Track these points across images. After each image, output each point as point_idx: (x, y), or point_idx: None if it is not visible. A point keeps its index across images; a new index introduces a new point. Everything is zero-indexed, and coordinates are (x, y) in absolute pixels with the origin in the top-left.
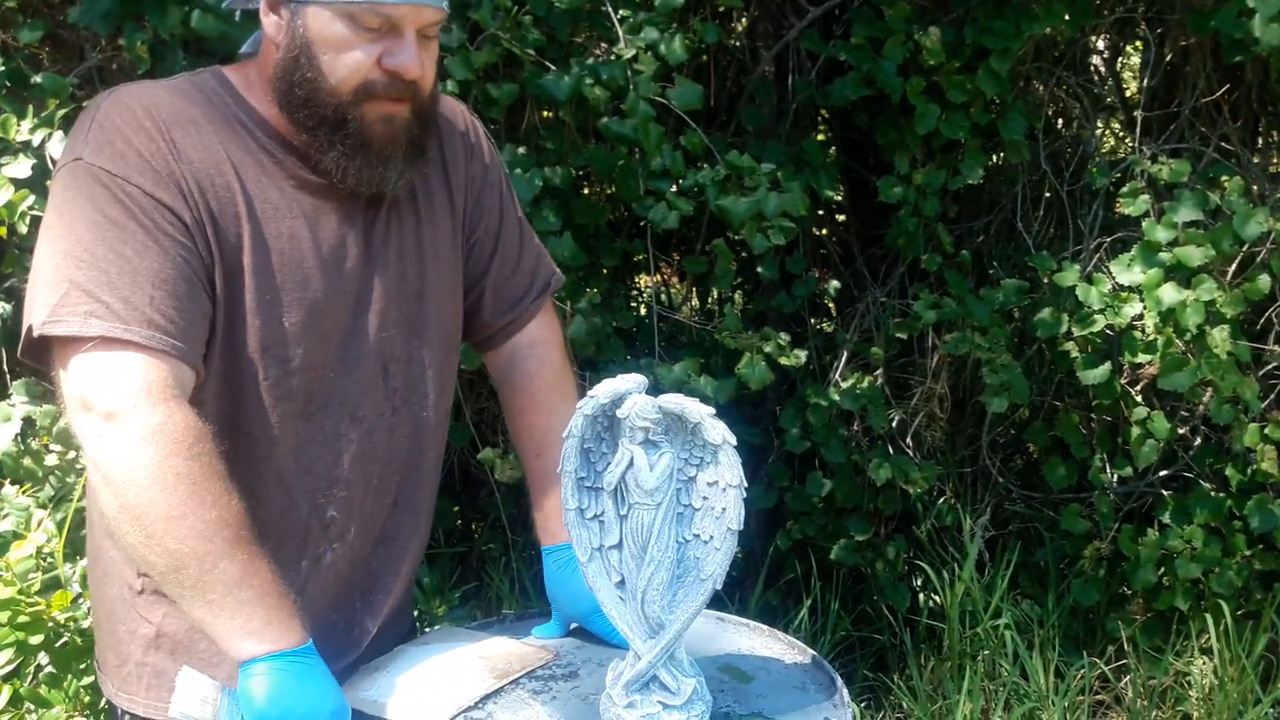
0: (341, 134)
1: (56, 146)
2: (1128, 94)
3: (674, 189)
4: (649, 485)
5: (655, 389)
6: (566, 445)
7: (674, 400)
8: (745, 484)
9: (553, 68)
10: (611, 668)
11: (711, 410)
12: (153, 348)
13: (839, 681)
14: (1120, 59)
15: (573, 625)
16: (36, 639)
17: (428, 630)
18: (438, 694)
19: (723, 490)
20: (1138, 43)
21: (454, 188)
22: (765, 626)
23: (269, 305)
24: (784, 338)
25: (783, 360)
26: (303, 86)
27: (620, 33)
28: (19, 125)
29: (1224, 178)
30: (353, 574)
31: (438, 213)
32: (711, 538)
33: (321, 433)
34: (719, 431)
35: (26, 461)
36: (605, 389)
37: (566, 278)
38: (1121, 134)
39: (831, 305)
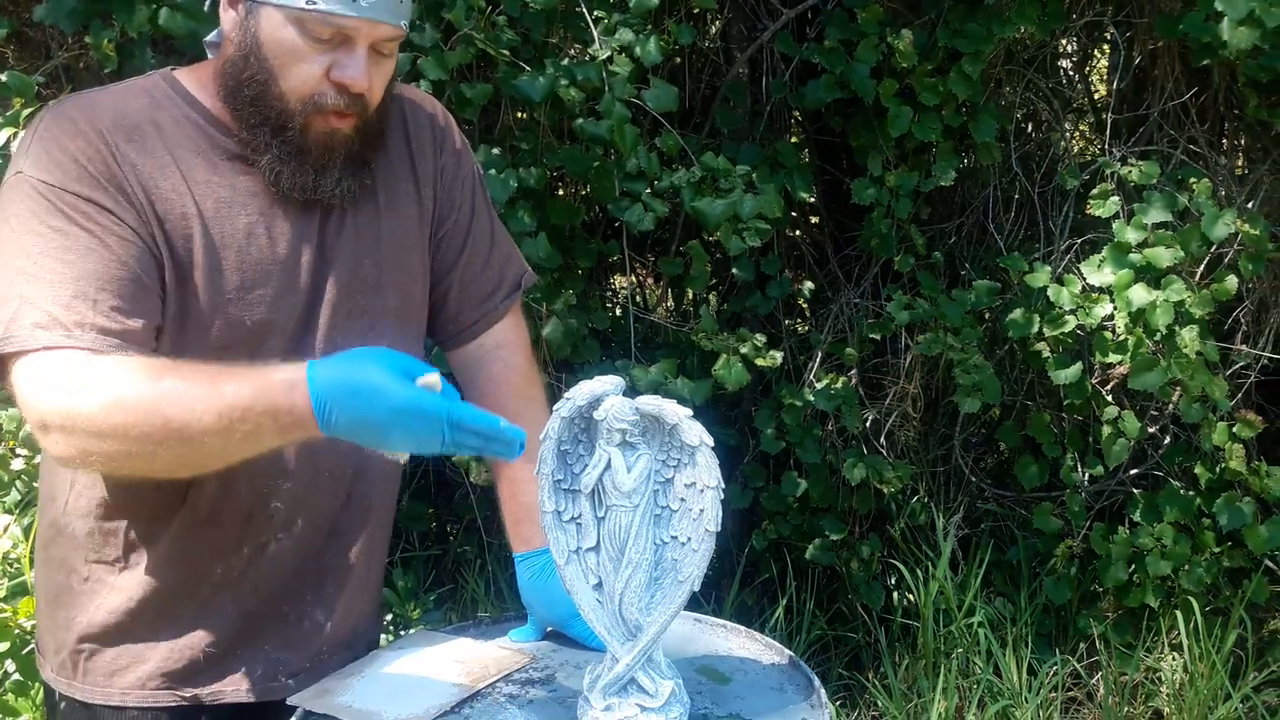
0: (279, 139)
1: None
2: (1096, 97)
3: (649, 190)
4: (626, 487)
5: (632, 390)
6: (543, 447)
7: (651, 402)
8: (723, 485)
9: (527, 68)
10: (589, 670)
11: (689, 412)
12: (100, 350)
13: (816, 682)
14: (1089, 63)
15: (549, 629)
16: (2, 646)
17: (403, 634)
18: (413, 699)
19: (700, 492)
20: (1105, 46)
21: (421, 179)
22: (742, 627)
23: (227, 304)
24: (760, 339)
25: (759, 361)
26: (251, 86)
27: (595, 33)
28: None
29: (1192, 180)
30: (302, 566)
31: (400, 203)
32: (689, 539)
33: None
34: (696, 433)
35: None
36: (582, 391)
37: (542, 279)
38: (1090, 136)
39: (805, 306)
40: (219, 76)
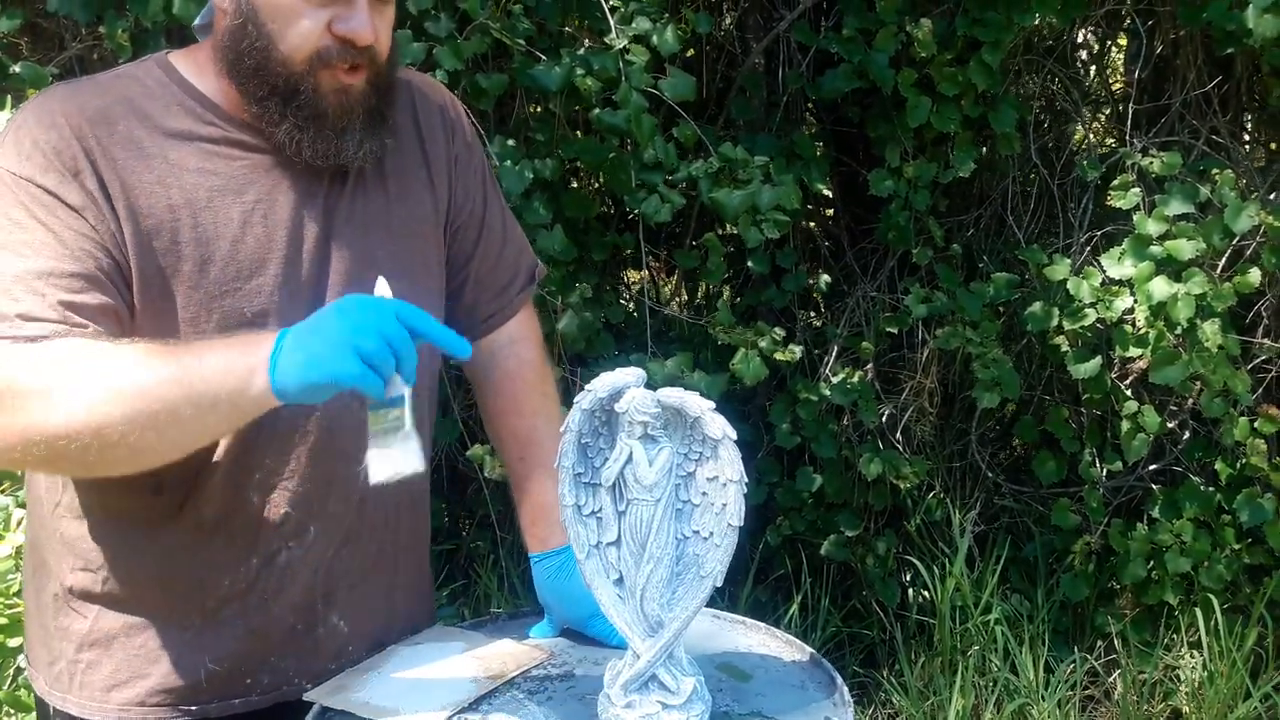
0: (293, 105)
1: None
2: (1114, 87)
3: (666, 182)
4: (648, 481)
5: (647, 385)
6: (564, 440)
7: (673, 394)
8: (746, 479)
9: (543, 58)
10: (610, 667)
11: (712, 404)
12: (33, 339)
13: (839, 680)
14: (1106, 54)
15: (566, 627)
16: (15, 642)
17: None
18: (432, 695)
19: (723, 485)
20: (1123, 37)
21: (433, 166)
22: (762, 624)
23: (223, 295)
24: (779, 332)
25: (778, 356)
26: (251, 56)
27: (612, 22)
28: None
29: (1215, 171)
30: (314, 578)
31: (413, 190)
32: (711, 534)
33: (277, 423)
34: (719, 426)
35: None
36: (604, 383)
37: (557, 271)
38: (1108, 127)
39: (820, 300)
40: (218, 53)
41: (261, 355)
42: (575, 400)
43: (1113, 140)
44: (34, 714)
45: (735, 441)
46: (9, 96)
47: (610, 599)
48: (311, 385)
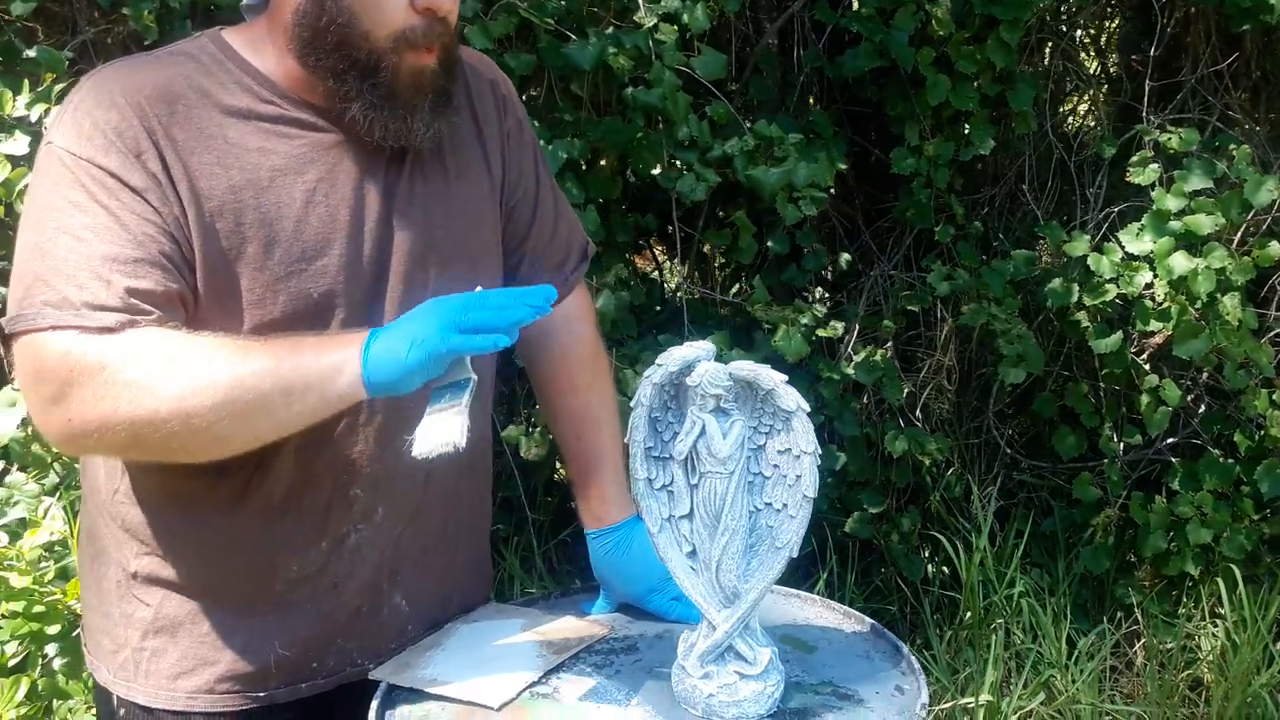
0: (370, 82)
1: None
2: (1111, 68)
3: (701, 160)
4: (723, 453)
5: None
6: (635, 415)
7: (746, 367)
8: (820, 450)
9: (574, 37)
10: (683, 639)
11: (784, 377)
12: (111, 329)
13: (904, 649)
14: (1110, 33)
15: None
16: (54, 629)
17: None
18: (499, 670)
19: (796, 457)
20: (1117, 18)
21: (488, 144)
22: (817, 597)
23: (289, 277)
24: (820, 309)
25: (820, 333)
26: (332, 32)
27: (641, 1)
28: (14, 100)
29: (1231, 146)
30: (381, 558)
31: (471, 169)
32: (785, 505)
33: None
34: (794, 398)
35: (35, 448)
36: (674, 357)
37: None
38: (1111, 100)
39: (837, 279)
40: (288, 32)
41: (354, 345)
42: (645, 375)
43: (1105, 120)
44: (71, 701)
45: (808, 414)
46: (25, 81)
47: (684, 571)
48: (409, 366)
